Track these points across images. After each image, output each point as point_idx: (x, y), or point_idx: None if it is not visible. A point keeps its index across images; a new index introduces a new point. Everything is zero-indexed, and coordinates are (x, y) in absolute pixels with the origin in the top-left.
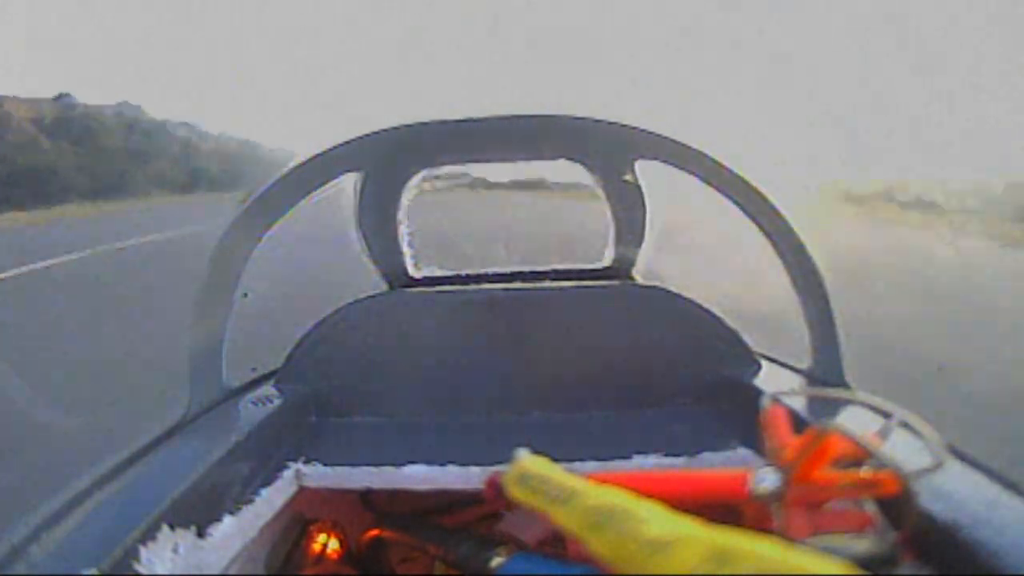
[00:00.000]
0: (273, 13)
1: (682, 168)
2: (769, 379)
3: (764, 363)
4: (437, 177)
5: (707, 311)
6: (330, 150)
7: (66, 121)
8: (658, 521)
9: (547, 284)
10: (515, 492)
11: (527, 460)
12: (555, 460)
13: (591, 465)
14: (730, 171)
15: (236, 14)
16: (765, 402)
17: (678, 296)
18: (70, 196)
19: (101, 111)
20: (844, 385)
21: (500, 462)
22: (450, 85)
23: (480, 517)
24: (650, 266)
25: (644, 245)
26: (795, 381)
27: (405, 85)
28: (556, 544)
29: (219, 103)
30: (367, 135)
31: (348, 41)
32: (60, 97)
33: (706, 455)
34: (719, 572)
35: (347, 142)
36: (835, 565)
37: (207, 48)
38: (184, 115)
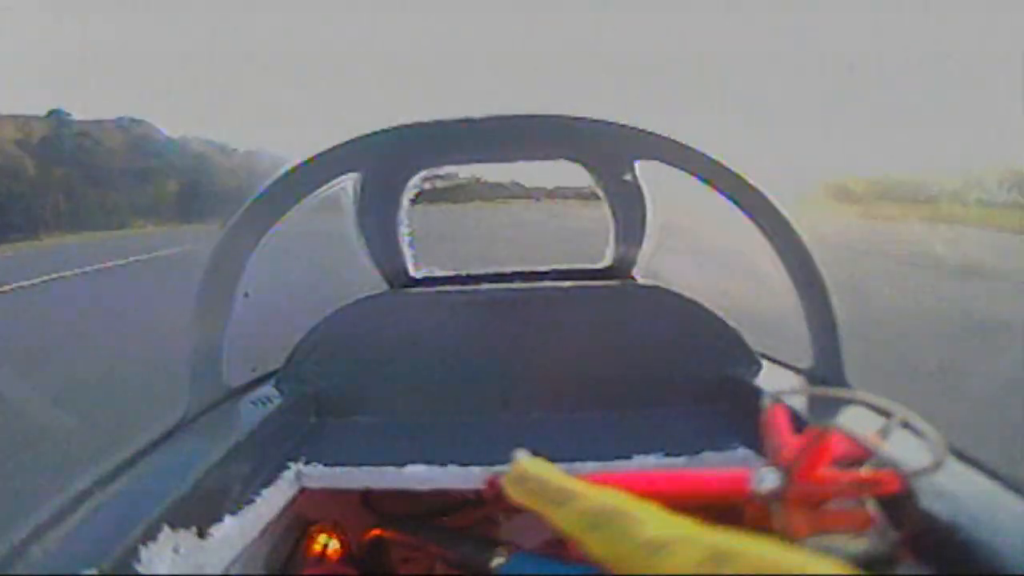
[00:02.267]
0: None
1: (682, 168)
2: (770, 379)
3: (765, 363)
4: None
5: (708, 311)
6: (329, 150)
7: (58, 140)
8: (656, 522)
9: (547, 284)
10: (514, 494)
11: (525, 462)
12: (556, 460)
13: (592, 465)
14: (730, 171)
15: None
16: (766, 402)
17: (679, 296)
18: (55, 225)
19: (100, 127)
20: (845, 385)
21: (501, 462)
22: (450, 85)
23: (481, 518)
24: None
25: (644, 245)
26: (796, 381)
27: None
28: (557, 546)
29: (246, 117)
30: (366, 135)
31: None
32: (52, 113)
33: (707, 455)
34: (718, 573)
35: (346, 142)
36: (835, 565)
37: (238, 58)
38: (206, 131)
